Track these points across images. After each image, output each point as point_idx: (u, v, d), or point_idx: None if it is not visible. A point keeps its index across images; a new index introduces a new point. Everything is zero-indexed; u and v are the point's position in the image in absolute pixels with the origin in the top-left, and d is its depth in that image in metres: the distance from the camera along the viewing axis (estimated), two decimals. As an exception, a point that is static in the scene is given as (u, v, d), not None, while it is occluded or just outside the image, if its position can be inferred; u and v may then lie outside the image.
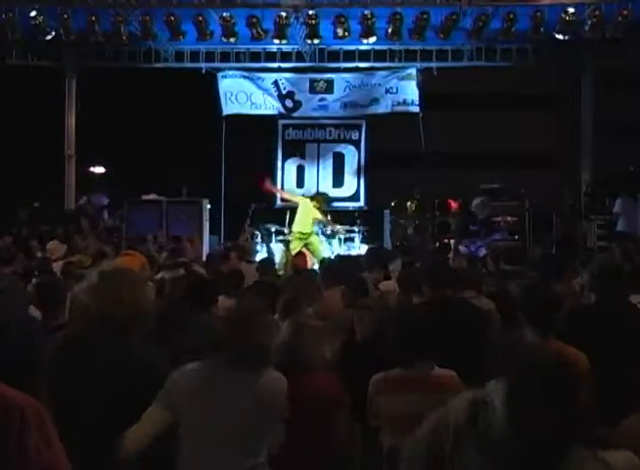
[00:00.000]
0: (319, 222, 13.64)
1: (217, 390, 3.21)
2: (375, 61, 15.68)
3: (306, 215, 13.24)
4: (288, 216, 14.27)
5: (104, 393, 3.24)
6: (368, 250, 11.26)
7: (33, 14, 14.16)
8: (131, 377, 3.24)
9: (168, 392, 3.20)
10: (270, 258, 10.70)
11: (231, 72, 16.17)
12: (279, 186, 16.20)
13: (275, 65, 16.02)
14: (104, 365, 3.28)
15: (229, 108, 16.20)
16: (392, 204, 16.05)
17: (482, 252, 12.02)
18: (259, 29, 14.61)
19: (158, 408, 3.18)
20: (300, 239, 13.01)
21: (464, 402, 2.07)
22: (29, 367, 3.80)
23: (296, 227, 13.28)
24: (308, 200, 13.60)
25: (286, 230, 14.07)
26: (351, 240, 14.37)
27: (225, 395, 3.19)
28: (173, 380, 3.23)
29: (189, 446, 3.19)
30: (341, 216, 14.85)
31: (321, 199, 13.78)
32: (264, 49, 15.62)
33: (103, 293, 3.45)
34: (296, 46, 15.33)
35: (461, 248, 12.73)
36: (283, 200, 15.31)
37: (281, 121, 16.89)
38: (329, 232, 14.07)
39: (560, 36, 13.96)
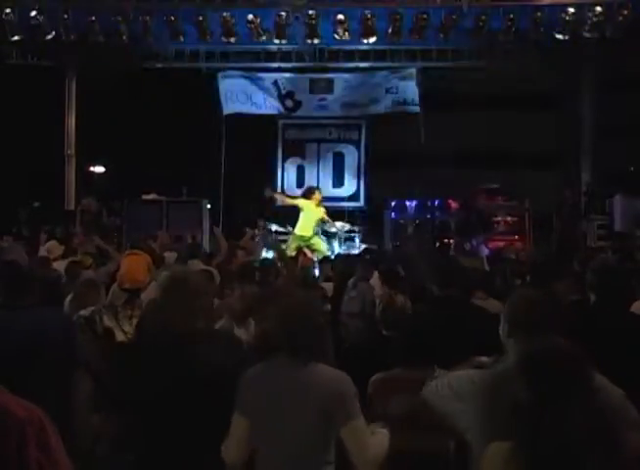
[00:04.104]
0: (323, 222, 13.51)
1: (281, 389, 3.11)
2: (375, 61, 15.68)
3: (308, 218, 13.09)
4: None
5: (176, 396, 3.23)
6: (363, 250, 11.25)
7: (33, 14, 14.16)
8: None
9: (240, 395, 3.16)
10: (271, 259, 10.63)
11: (231, 72, 16.16)
12: (279, 187, 16.18)
13: (275, 65, 16.01)
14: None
15: (229, 108, 16.18)
16: (392, 204, 16.05)
17: (484, 249, 12.01)
18: (259, 29, 14.60)
19: (236, 414, 3.15)
20: (301, 241, 12.88)
21: None
22: (68, 361, 3.85)
23: (297, 230, 13.07)
24: (309, 201, 13.39)
25: (288, 229, 13.91)
26: (352, 240, 14.35)
27: (288, 393, 3.10)
28: (242, 383, 3.18)
29: (263, 449, 3.13)
30: (341, 216, 14.84)
31: (318, 193, 13.56)
32: (264, 49, 15.61)
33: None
34: (296, 46, 15.33)
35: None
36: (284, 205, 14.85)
37: (281, 121, 16.90)
38: (330, 232, 13.99)
39: (560, 36, 13.96)
